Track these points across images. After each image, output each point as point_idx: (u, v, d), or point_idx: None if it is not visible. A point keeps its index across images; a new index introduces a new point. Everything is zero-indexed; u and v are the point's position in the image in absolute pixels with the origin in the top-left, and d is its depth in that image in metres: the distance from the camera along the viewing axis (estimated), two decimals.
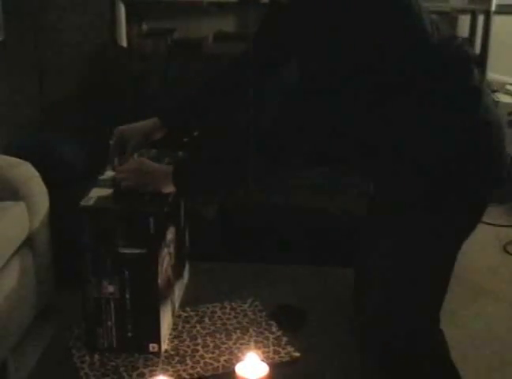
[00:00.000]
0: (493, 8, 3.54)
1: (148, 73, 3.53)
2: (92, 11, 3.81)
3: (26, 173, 2.76)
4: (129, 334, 1.78)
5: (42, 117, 3.81)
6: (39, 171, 2.76)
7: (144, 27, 4.00)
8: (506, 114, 3.70)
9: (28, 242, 2.70)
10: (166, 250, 1.78)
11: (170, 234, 1.82)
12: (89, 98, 3.54)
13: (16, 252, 2.61)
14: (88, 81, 3.65)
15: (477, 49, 3.77)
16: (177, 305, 1.99)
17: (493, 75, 3.83)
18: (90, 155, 3.12)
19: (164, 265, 1.77)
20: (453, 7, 3.66)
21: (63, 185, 2.89)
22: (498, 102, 3.70)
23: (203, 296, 2.08)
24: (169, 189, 1.79)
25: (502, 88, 3.85)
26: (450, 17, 3.99)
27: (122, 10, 3.73)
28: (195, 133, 2.29)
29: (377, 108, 1.64)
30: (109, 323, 1.77)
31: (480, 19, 3.77)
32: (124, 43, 3.79)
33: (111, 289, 1.74)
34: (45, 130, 3.65)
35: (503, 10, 3.71)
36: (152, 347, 1.79)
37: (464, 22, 4.04)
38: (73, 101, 3.61)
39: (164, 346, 1.82)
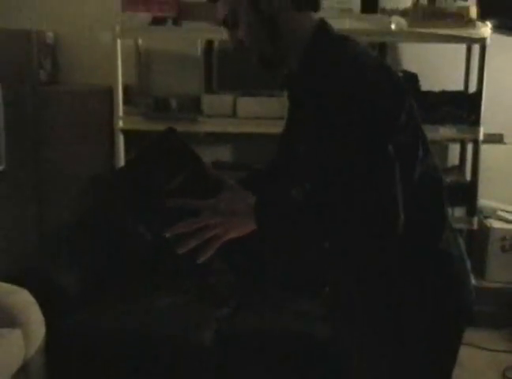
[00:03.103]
0: (481, 137, 3.64)
1: None
2: (92, 141, 3.91)
3: (23, 300, 2.77)
4: None
5: (41, 244, 3.84)
6: (36, 298, 2.76)
7: None
8: (498, 239, 3.75)
9: (24, 369, 2.68)
10: None
11: None
12: (88, 225, 3.57)
13: None
14: (87, 209, 3.70)
15: (468, 176, 3.86)
16: None
17: (484, 201, 3.91)
18: (88, 282, 3.13)
19: None
20: (443, 136, 3.75)
21: (61, 313, 2.89)
22: (489, 228, 3.76)
23: None
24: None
25: (493, 213, 3.91)
26: (440, 146, 4.11)
27: (121, 140, 3.83)
28: None
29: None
30: None
31: (469, 147, 3.88)
32: None
33: None
34: (44, 257, 3.66)
35: (491, 139, 3.82)
36: None
37: (454, 151, 4.16)
38: (72, 229, 3.65)
39: None
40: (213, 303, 2.94)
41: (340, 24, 3.46)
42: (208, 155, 4.10)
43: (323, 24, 1.73)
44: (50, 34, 4.10)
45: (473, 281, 1.81)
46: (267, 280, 3.14)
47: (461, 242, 1.82)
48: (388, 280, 1.70)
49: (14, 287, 2.80)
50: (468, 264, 1.79)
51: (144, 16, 3.76)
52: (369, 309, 1.74)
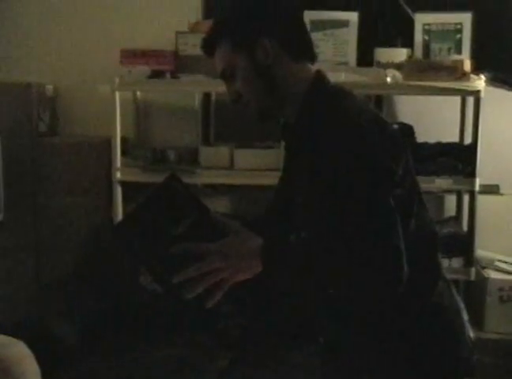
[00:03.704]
0: (477, 188, 3.66)
1: None
2: (90, 192, 3.92)
3: (19, 353, 2.73)
4: None
5: (39, 295, 3.82)
6: (33, 350, 2.74)
7: None
8: (496, 289, 3.73)
9: None
10: None
11: None
12: (86, 277, 3.56)
13: None
14: (85, 261, 3.69)
15: (464, 227, 3.87)
16: None
17: (481, 252, 3.90)
18: (86, 334, 3.11)
19: None
20: (440, 187, 3.77)
21: (58, 364, 2.86)
22: (487, 278, 3.75)
23: None
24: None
25: (491, 264, 3.90)
26: (437, 197, 4.13)
27: (119, 191, 3.84)
28: None
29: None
30: None
31: (466, 198, 3.89)
32: None
33: None
34: (42, 308, 3.65)
35: (487, 190, 3.83)
36: None
37: (450, 202, 4.17)
38: (69, 280, 3.64)
39: None
40: (222, 347, 2.91)
41: (336, 77, 3.48)
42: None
43: (320, 76, 1.75)
44: (49, 86, 4.15)
45: (471, 333, 1.79)
46: (272, 324, 3.13)
47: (455, 292, 1.82)
48: (381, 336, 1.69)
49: (10, 339, 2.77)
50: (465, 315, 1.78)
51: (143, 70, 3.81)
52: (362, 365, 1.73)
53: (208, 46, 1.77)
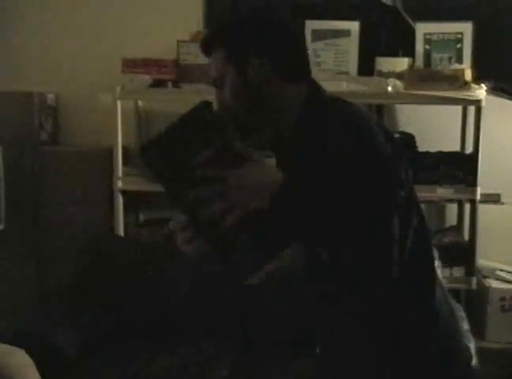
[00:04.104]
0: (478, 197, 3.66)
1: (145, 262, 3.58)
2: (91, 202, 3.93)
3: (20, 361, 2.74)
4: None
5: (40, 305, 3.82)
6: (34, 359, 2.74)
7: (142, 216, 4.11)
8: (498, 299, 3.73)
9: None
10: None
11: None
12: (87, 286, 3.56)
13: None
14: (86, 270, 3.69)
15: (466, 236, 3.87)
16: None
17: (483, 261, 3.90)
18: (87, 343, 3.11)
19: None
20: (440, 196, 3.77)
21: (59, 374, 2.86)
22: (488, 288, 3.74)
23: None
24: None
25: (492, 274, 3.90)
26: (438, 206, 4.13)
27: (120, 200, 3.85)
28: None
29: None
30: None
31: (467, 207, 3.89)
32: (121, 233, 3.87)
33: None
34: (42, 318, 3.64)
35: (488, 199, 3.83)
36: None
37: (451, 211, 4.17)
38: (70, 289, 3.64)
39: None
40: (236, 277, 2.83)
41: (337, 86, 3.51)
42: None
43: (316, 86, 1.75)
44: (51, 95, 4.16)
45: (471, 342, 1.79)
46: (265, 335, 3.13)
47: (452, 300, 1.83)
48: (375, 344, 1.70)
49: (11, 348, 2.78)
50: (466, 324, 1.79)
51: (145, 79, 3.82)
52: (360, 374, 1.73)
53: (205, 48, 1.77)
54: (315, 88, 1.75)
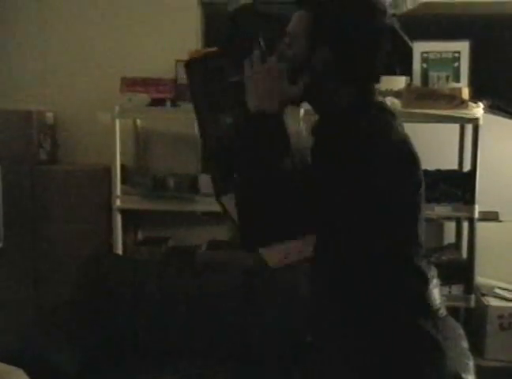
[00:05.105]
0: (476, 215, 3.66)
1: (143, 281, 3.57)
2: (90, 220, 3.93)
3: None
4: None
5: (38, 323, 3.81)
6: (32, 378, 2.73)
7: (140, 235, 4.11)
8: (496, 317, 3.73)
9: None
10: None
11: None
12: (86, 305, 3.55)
13: None
14: (84, 288, 3.69)
15: (464, 254, 3.87)
16: None
17: (481, 279, 3.90)
18: (85, 362, 3.10)
19: None
20: (439, 214, 3.77)
21: None
22: (487, 306, 3.74)
23: None
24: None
25: (490, 291, 3.90)
26: (436, 224, 4.13)
27: (118, 219, 3.85)
28: None
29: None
30: None
31: (465, 225, 3.90)
32: (120, 251, 3.87)
33: None
34: (41, 336, 3.63)
35: (486, 217, 3.84)
36: None
37: (449, 229, 4.17)
38: (69, 308, 3.63)
39: None
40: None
41: None
42: (205, 234, 4.12)
43: (367, 96, 1.79)
44: (49, 114, 4.18)
45: (471, 361, 1.79)
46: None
47: (451, 319, 1.84)
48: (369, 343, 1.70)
49: (9, 367, 2.76)
50: (465, 343, 1.79)
51: (143, 97, 3.83)
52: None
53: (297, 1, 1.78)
54: (369, 93, 1.78)
